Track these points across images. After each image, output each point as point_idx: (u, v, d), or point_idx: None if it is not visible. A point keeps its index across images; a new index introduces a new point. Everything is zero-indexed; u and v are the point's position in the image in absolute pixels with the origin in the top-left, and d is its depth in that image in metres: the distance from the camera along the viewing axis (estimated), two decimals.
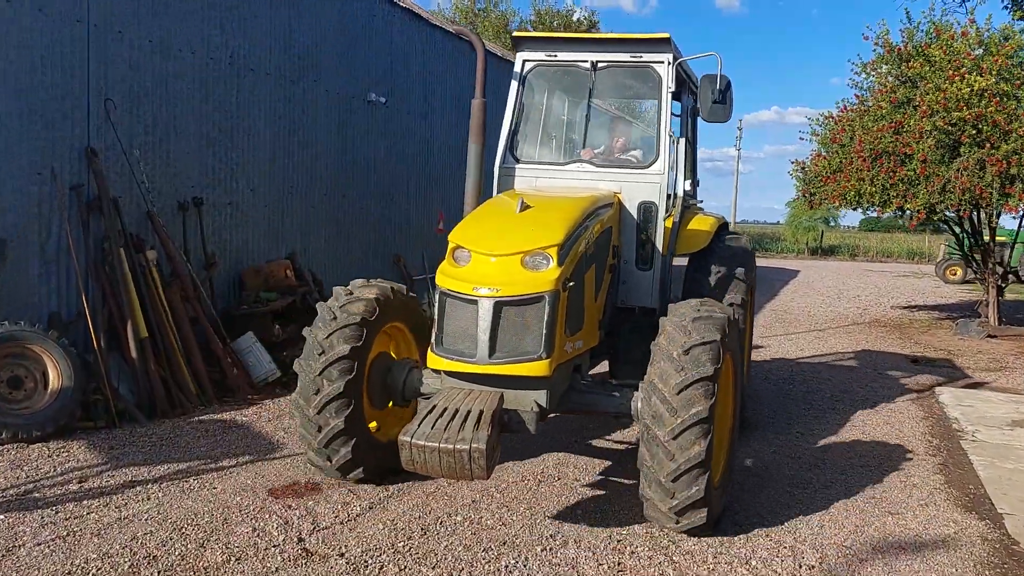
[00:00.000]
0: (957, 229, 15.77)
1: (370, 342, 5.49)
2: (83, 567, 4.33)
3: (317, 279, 10.32)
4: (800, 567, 4.69)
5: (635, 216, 6.43)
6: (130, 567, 4.36)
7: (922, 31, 13.58)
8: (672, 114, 6.54)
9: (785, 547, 4.95)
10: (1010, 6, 16.13)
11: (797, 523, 5.34)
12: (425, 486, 5.72)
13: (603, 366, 7.09)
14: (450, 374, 5.10)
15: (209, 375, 8.00)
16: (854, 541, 5.09)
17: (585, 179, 6.54)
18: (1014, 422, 8.28)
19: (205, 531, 4.85)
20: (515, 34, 6.89)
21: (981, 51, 12.85)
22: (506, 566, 4.54)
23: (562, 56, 6.73)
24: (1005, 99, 12.14)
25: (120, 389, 7.24)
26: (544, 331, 4.88)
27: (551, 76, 7.17)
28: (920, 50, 13.10)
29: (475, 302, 4.91)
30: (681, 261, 7.01)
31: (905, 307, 19.71)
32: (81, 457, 6.14)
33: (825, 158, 14.38)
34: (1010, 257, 17.24)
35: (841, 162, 13.73)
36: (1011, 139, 11.91)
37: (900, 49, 13.37)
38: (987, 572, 4.78)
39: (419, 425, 4.62)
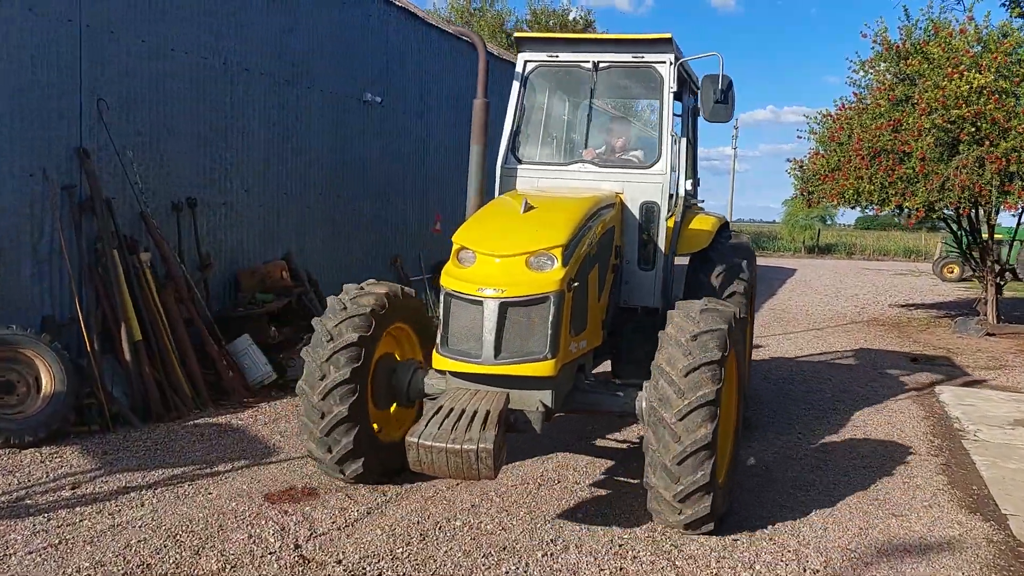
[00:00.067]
0: (955, 227, 15.72)
1: (378, 335, 5.50)
2: None
3: (313, 280, 10.24)
4: (805, 571, 4.62)
5: (637, 216, 6.42)
6: None
7: (920, 28, 13.52)
8: (673, 114, 6.53)
9: (789, 551, 4.88)
10: (1008, 3, 16.07)
11: (800, 526, 5.28)
12: (423, 491, 5.65)
13: (605, 366, 7.05)
14: (455, 375, 5.11)
15: (204, 378, 7.92)
16: (858, 544, 5.03)
17: (587, 179, 6.53)
18: (1016, 421, 8.23)
19: (200, 538, 4.77)
20: (517, 35, 6.89)
21: (980, 48, 12.79)
22: (506, 572, 4.47)
23: (564, 57, 6.71)
24: (1004, 96, 12.09)
25: (114, 392, 7.15)
26: (549, 331, 4.89)
27: (553, 77, 7.16)
28: (919, 48, 13.04)
29: (480, 303, 4.91)
30: (682, 261, 6.97)
31: (903, 305, 19.67)
32: (74, 462, 6.05)
33: (823, 156, 14.32)
34: (1008, 255, 17.19)
35: (839, 160, 13.67)
36: (1010, 136, 11.85)
37: (898, 47, 13.31)
38: (993, 575, 4.72)
39: (426, 425, 4.62)
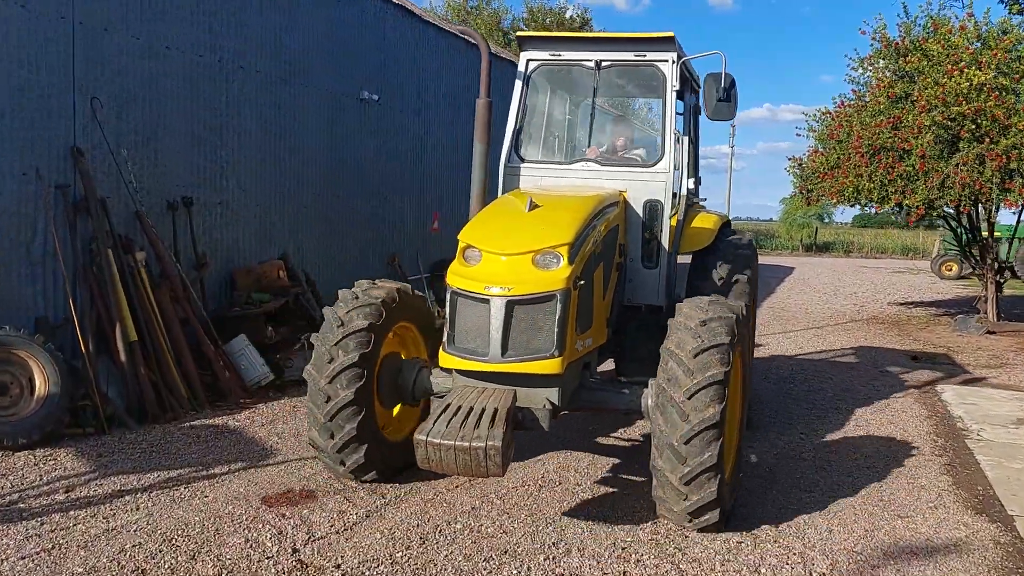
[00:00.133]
0: (955, 225, 15.67)
1: (378, 346, 5.52)
2: None
3: (310, 279, 10.16)
4: (811, 575, 4.56)
5: (641, 215, 6.44)
6: None
7: (920, 25, 13.48)
8: (676, 113, 6.54)
9: (794, 553, 4.81)
10: (1007, 0, 16.00)
11: (805, 527, 5.21)
12: (423, 493, 5.57)
13: (607, 364, 6.99)
14: (462, 373, 5.12)
15: (200, 378, 7.83)
16: (864, 546, 4.96)
17: (590, 178, 6.54)
18: (1019, 420, 8.17)
19: (196, 542, 4.69)
20: (519, 34, 6.89)
21: (979, 45, 12.73)
22: None
23: (566, 55, 6.72)
24: (1004, 93, 12.04)
25: (109, 394, 7.07)
26: (556, 329, 4.91)
27: (555, 75, 7.17)
28: (918, 45, 12.99)
29: (487, 301, 4.92)
30: (684, 259, 6.94)
31: (902, 303, 19.63)
32: (68, 465, 5.97)
33: (822, 154, 14.26)
34: (1008, 253, 17.14)
35: (839, 158, 13.62)
36: (1010, 134, 11.81)
37: (898, 44, 13.25)
38: None
39: (434, 423, 4.63)
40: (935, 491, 6.01)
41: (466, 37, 13.94)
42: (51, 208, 7.11)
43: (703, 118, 7.71)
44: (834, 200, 14.19)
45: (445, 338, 5.13)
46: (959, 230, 15.56)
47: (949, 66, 12.21)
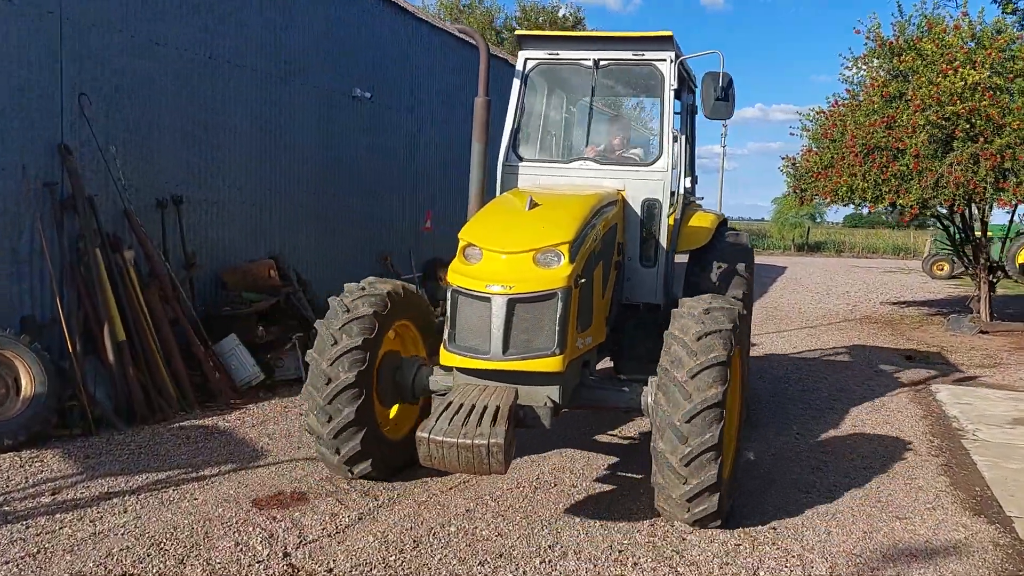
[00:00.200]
0: (948, 224, 15.65)
1: (381, 335, 5.51)
2: None
3: (302, 279, 10.05)
4: None
5: (639, 213, 6.44)
6: None
7: (914, 25, 13.45)
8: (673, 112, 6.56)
9: (793, 556, 4.75)
10: (1000, 1, 16.02)
11: (803, 529, 5.15)
12: (416, 495, 5.49)
13: (604, 362, 6.94)
14: (463, 371, 5.13)
15: (190, 379, 7.73)
16: (863, 548, 4.90)
17: (588, 177, 6.54)
18: (1014, 420, 8.15)
19: (185, 546, 4.60)
20: (518, 32, 6.91)
21: (973, 45, 12.71)
22: None
23: (564, 54, 6.73)
24: (998, 93, 12.01)
25: (97, 395, 6.96)
26: (557, 327, 4.93)
27: (553, 74, 7.16)
28: (912, 44, 12.95)
29: (488, 299, 4.94)
30: (680, 259, 6.92)
31: (895, 303, 19.64)
32: (55, 467, 5.86)
33: (816, 153, 14.22)
34: (1002, 252, 17.16)
35: (833, 157, 13.57)
36: (1005, 133, 11.78)
37: (892, 43, 13.22)
38: None
39: (436, 421, 4.63)
40: (933, 492, 5.97)
41: (465, 37, 13.89)
42: (38, 206, 7.01)
43: (698, 117, 7.74)
44: (828, 200, 14.16)
45: (446, 336, 5.13)
46: (952, 229, 15.56)
47: (943, 65, 12.18)
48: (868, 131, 12.79)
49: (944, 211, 14.60)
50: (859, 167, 12.93)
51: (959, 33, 12.70)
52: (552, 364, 4.91)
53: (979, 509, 5.68)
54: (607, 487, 5.83)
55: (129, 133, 7.97)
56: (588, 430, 7.23)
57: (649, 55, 6.47)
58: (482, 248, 5.17)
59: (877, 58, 13.60)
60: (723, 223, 7.33)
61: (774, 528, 5.15)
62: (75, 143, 7.35)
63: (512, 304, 4.89)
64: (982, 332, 14.15)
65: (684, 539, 4.88)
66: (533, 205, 5.40)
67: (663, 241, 6.44)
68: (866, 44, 13.68)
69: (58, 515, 4.96)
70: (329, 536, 4.80)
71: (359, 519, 5.06)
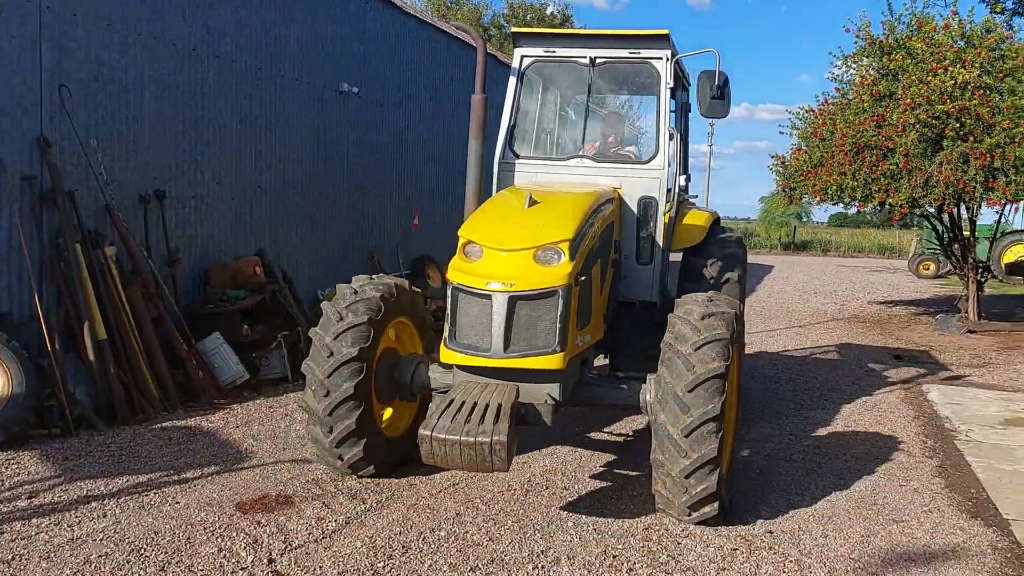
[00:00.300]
0: (937, 223, 15.65)
1: (377, 341, 5.48)
2: None
3: (288, 276, 9.90)
4: None
5: (635, 211, 6.41)
6: None
7: (904, 23, 13.42)
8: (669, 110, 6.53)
9: (791, 560, 4.66)
10: (988, 1, 16.04)
11: (800, 533, 5.07)
12: (405, 498, 5.37)
13: (600, 359, 6.85)
14: (464, 368, 5.11)
15: (173, 378, 7.56)
16: (861, 553, 4.82)
17: (585, 175, 6.51)
18: (1006, 420, 8.11)
19: (166, 552, 4.45)
20: (514, 30, 6.88)
21: (963, 43, 12.70)
22: None
23: (560, 52, 6.70)
24: (988, 92, 12.00)
25: (77, 394, 6.80)
26: (558, 325, 4.92)
27: (549, 72, 7.13)
28: (902, 43, 12.93)
29: (489, 297, 4.92)
30: (674, 257, 6.87)
31: (882, 302, 19.66)
32: (32, 470, 5.69)
33: (806, 152, 14.18)
34: (989, 252, 17.20)
35: (822, 156, 13.54)
36: (994, 132, 11.78)
37: (882, 42, 13.19)
38: None
39: (438, 419, 4.63)
40: (928, 494, 5.90)
41: (462, 35, 13.81)
42: (16, 200, 6.82)
43: (692, 115, 7.68)
44: (817, 199, 14.11)
45: (446, 333, 5.09)
46: (941, 229, 15.56)
47: (933, 64, 12.17)
48: (858, 130, 12.76)
49: (933, 210, 14.59)
50: (849, 166, 12.89)
51: (949, 32, 12.70)
52: (553, 362, 4.90)
53: (975, 512, 5.61)
54: (600, 488, 5.72)
55: (111, 126, 7.79)
56: (579, 429, 7.13)
57: (645, 53, 6.45)
58: (482, 245, 5.16)
59: (867, 57, 13.58)
60: (716, 221, 7.31)
61: (770, 532, 5.06)
62: (55, 136, 7.17)
63: (513, 302, 4.88)
64: (970, 332, 14.16)
65: (679, 543, 4.79)
66: (532, 203, 5.40)
67: (659, 239, 6.41)
68: (856, 43, 13.68)
69: (34, 520, 4.80)
70: (315, 541, 4.67)
71: (346, 523, 4.93)
